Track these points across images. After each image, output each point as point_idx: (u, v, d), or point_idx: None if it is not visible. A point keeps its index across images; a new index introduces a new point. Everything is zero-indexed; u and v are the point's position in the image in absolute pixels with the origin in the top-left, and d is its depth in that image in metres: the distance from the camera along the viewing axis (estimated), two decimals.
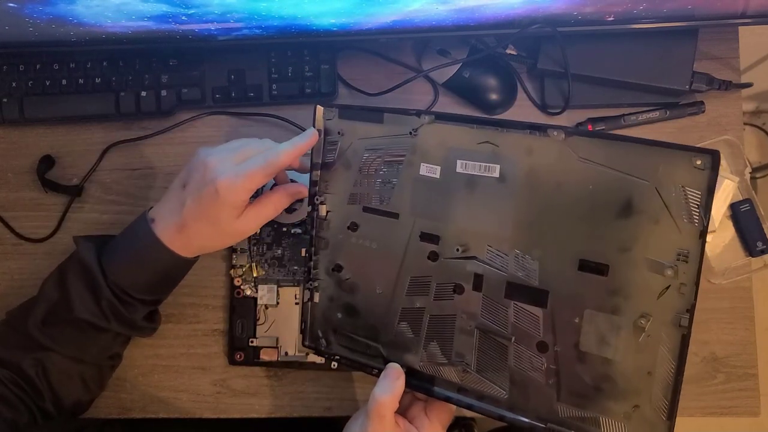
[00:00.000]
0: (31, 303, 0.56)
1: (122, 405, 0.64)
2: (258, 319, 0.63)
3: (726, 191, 0.65)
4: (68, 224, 0.67)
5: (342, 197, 0.55)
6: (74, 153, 0.68)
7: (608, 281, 0.46)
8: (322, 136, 0.55)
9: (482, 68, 0.65)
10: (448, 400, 0.52)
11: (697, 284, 0.44)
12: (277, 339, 0.63)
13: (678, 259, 0.44)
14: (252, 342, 0.63)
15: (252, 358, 0.63)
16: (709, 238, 0.64)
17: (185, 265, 0.56)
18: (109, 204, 0.67)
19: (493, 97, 0.65)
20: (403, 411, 0.53)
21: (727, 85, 0.64)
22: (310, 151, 0.55)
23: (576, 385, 0.48)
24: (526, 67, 0.66)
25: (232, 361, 0.63)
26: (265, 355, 0.63)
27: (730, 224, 0.65)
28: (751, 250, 0.64)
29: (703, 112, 0.65)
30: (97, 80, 0.66)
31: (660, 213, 0.45)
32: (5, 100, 0.66)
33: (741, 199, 0.65)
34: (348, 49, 0.67)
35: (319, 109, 0.55)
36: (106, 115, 0.67)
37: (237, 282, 0.63)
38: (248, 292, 0.63)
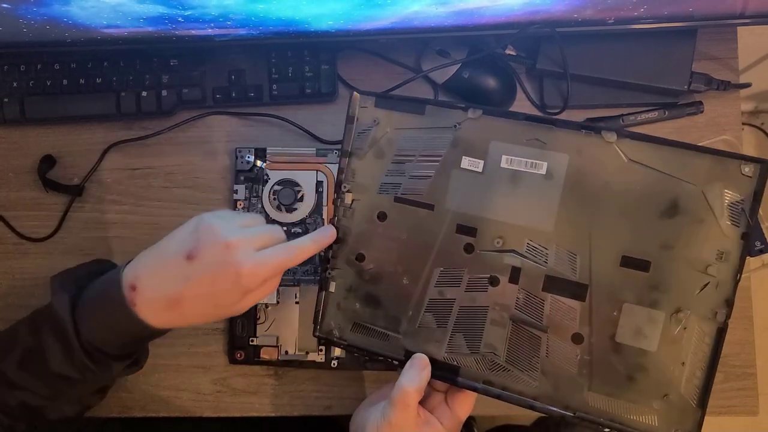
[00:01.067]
0: (6, 342, 0.52)
1: (123, 404, 0.65)
2: (258, 318, 0.63)
3: None
4: (69, 224, 0.67)
5: (371, 186, 0.54)
6: (75, 153, 0.68)
7: (649, 277, 0.48)
8: (354, 123, 0.54)
9: (482, 68, 0.65)
10: (474, 389, 0.52)
11: (736, 282, 0.47)
12: (278, 338, 0.63)
13: (718, 258, 0.47)
14: (252, 341, 0.63)
15: (252, 357, 0.63)
16: None
17: (166, 332, 0.51)
18: (110, 204, 0.67)
19: (493, 97, 0.66)
20: (422, 401, 0.53)
21: (725, 85, 0.64)
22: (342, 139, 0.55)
23: (608, 375, 0.49)
24: (526, 68, 0.67)
25: (233, 360, 0.63)
26: (266, 354, 0.63)
27: None
28: (749, 250, 0.64)
29: (702, 112, 0.65)
30: (98, 80, 0.66)
31: (704, 214, 0.47)
32: (6, 99, 0.67)
33: None
34: (348, 50, 0.67)
35: (356, 95, 0.54)
36: (107, 115, 0.67)
37: None
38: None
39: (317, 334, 0.56)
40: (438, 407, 0.52)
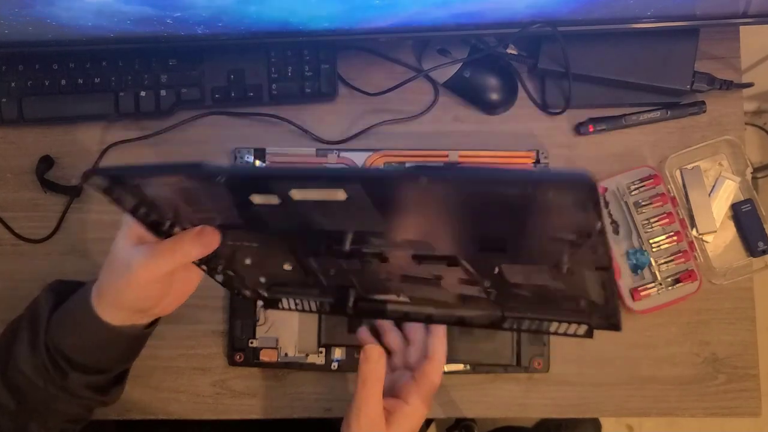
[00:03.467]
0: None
1: (121, 406, 0.64)
2: (258, 320, 0.63)
3: (727, 191, 0.64)
4: (67, 225, 0.67)
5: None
6: (73, 153, 0.68)
7: (511, 254, 0.42)
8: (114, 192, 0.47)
9: (483, 68, 0.65)
10: (405, 318, 0.51)
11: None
12: (277, 340, 0.63)
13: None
14: (252, 343, 0.63)
15: (252, 359, 0.63)
16: (709, 238, 0.64)
17: (113, 334, 0.49)
18: (109, 205, 0.66)
19: (494, 96, 0.65)
20: (392, 387, 0.54)
21: (728, 85, 0.64)
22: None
23: (519, 301, 0.46)
24: (527, 67, 0.66)
25: (232, 362, 0.63)
26: (265, 356, 0.63)
27: (731, 225, 0.65)
28: (752, 251, 0.64)
29: (704, 112, 0.65)
30: (96, 80, 0.66)
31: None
32: (4, 100, 0.66)
33: (742, 199, 0.65)
34: (348, 49, 0.67)
35: (86, 176, 0.45)
36: (106, 116, 0.66)
37: None
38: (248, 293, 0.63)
39: (255, 294, 0.53)
40: (404, 387, 0.53)
